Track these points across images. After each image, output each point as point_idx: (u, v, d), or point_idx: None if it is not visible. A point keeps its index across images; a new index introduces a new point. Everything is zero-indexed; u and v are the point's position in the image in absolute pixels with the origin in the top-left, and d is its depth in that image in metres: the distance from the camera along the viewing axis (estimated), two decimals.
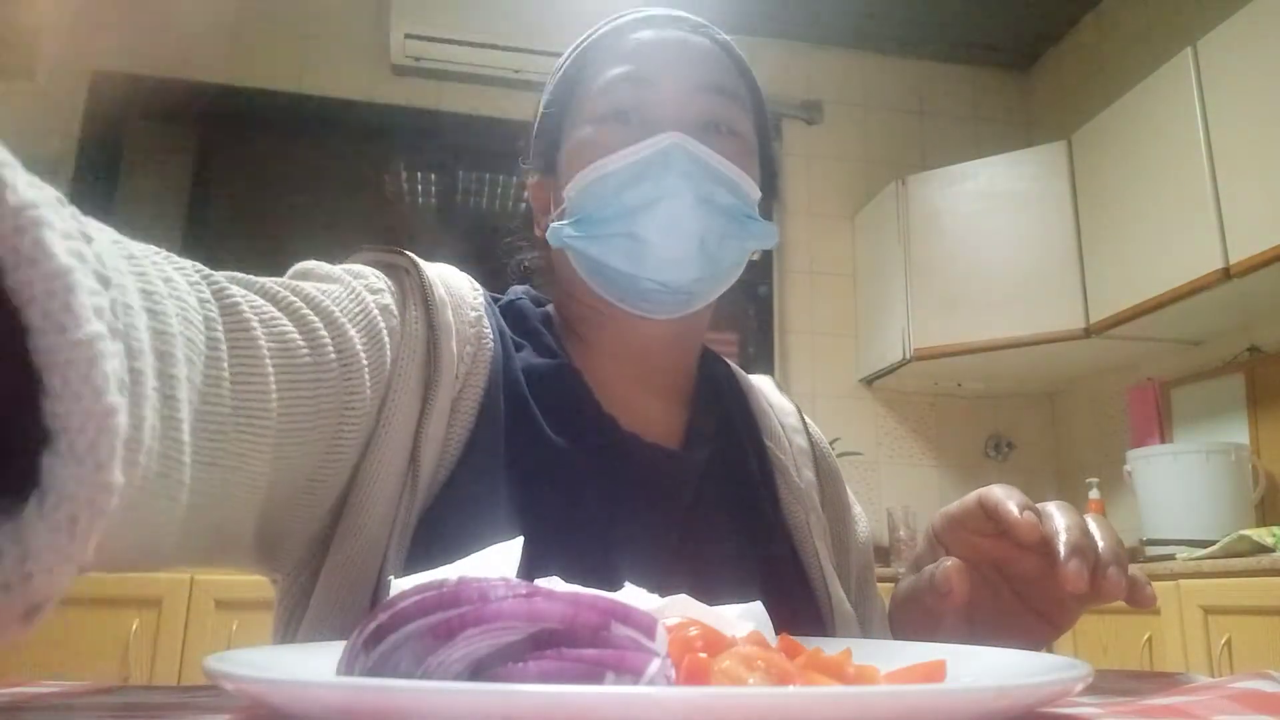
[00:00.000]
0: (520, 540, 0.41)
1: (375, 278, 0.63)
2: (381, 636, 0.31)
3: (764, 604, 0.42)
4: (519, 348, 0.72)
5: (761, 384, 0.87)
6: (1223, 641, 2.04)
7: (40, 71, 3.06)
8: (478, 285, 0.75)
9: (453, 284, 0.70)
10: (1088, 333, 2.88)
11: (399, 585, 0.35)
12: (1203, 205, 2.45)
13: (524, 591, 0.30)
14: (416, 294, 0.65)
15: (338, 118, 3.28)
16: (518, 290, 0.80)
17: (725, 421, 0.77)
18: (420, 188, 3.41)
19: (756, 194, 0.72)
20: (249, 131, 3.30)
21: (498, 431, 0.64)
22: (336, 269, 0.63)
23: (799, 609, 0.70)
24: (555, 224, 0.71)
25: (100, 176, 3.07)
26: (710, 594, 0.42)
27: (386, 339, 0.60)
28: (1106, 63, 3.37)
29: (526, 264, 0.82)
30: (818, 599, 0.72)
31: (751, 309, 3.44)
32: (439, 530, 0.60)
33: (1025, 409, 3.60)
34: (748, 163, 0.72)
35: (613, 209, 0.68)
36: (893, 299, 3.23)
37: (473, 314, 0.69)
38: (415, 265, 0.67)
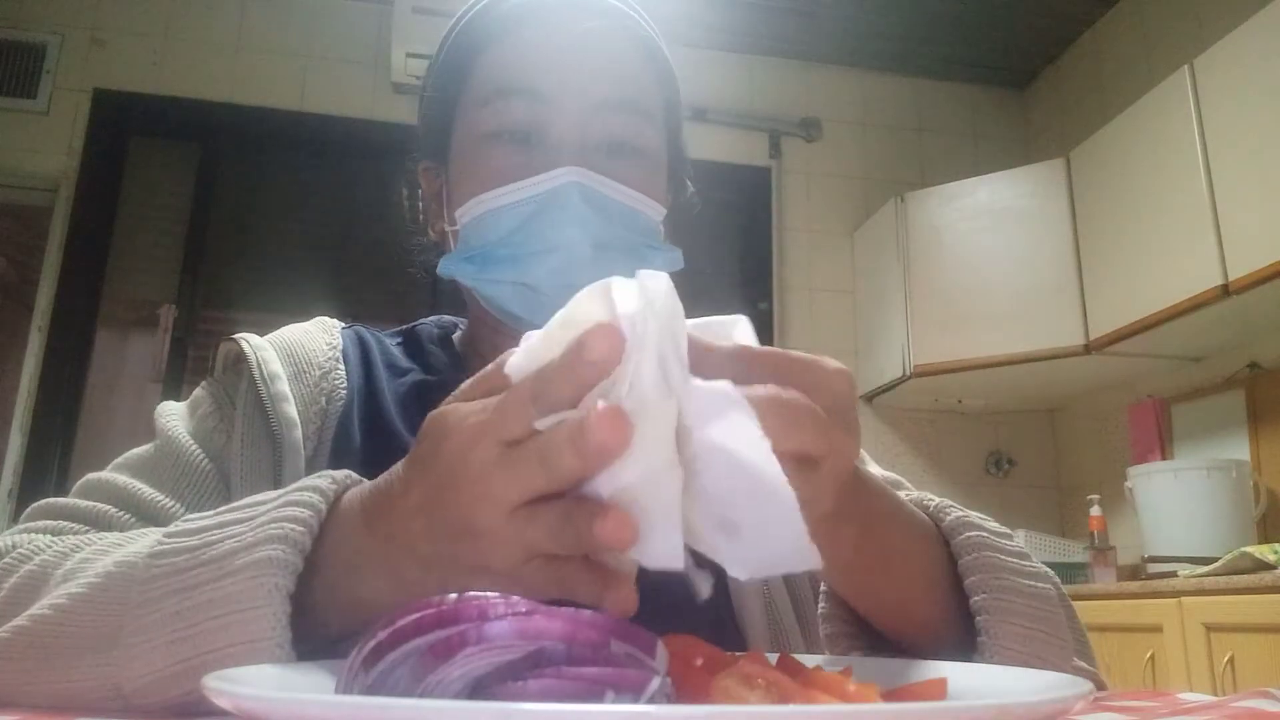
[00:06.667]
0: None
1: (205, 400, 0.68)
2: (380, 655, 0.31)
3: (651, 601, 0.39)
4: (404, 373, 0.72)
5: None
6: (1226, 659, 2.03)
7: (43, 89, 3.08)
8: (337, 333, 0.74)
9: (298, 348, 0.70)
10: (1088, 349, 2.88)
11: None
12: (1201, 222, 2.45)
13: (523, 610, 0.30)
14: (248, 385, 0.67)
15: (339, 136, 3.29)
16: (431, 318, 0.80)
17: None
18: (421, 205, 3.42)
19: (660, 213, 0.70)
20: (250, 149, 3.31)
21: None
22: (164, 434, 0.66)
23: (696, 614, 0.53)
24: (447, 257, 0.69)
25: (102, 194, 3.07)
26: None
27: (212, 467, 0.64)
28: (1104, 80, 3.39)
29: (422, 271, 0.78)
30: (717, 600, 0.65)
31: (751, 325, 3.42)
32: None
33: (1026, 426, 3.59)
34: (652, 181, 0.69)
35: (506, 249, 0.66)
36: (892, 315, 3.23)
37: (318, 372, 0.69)
38: (244, 356, 0.68)
